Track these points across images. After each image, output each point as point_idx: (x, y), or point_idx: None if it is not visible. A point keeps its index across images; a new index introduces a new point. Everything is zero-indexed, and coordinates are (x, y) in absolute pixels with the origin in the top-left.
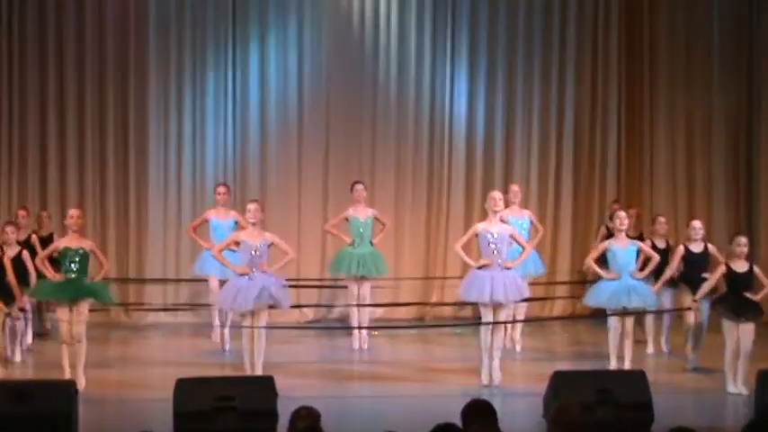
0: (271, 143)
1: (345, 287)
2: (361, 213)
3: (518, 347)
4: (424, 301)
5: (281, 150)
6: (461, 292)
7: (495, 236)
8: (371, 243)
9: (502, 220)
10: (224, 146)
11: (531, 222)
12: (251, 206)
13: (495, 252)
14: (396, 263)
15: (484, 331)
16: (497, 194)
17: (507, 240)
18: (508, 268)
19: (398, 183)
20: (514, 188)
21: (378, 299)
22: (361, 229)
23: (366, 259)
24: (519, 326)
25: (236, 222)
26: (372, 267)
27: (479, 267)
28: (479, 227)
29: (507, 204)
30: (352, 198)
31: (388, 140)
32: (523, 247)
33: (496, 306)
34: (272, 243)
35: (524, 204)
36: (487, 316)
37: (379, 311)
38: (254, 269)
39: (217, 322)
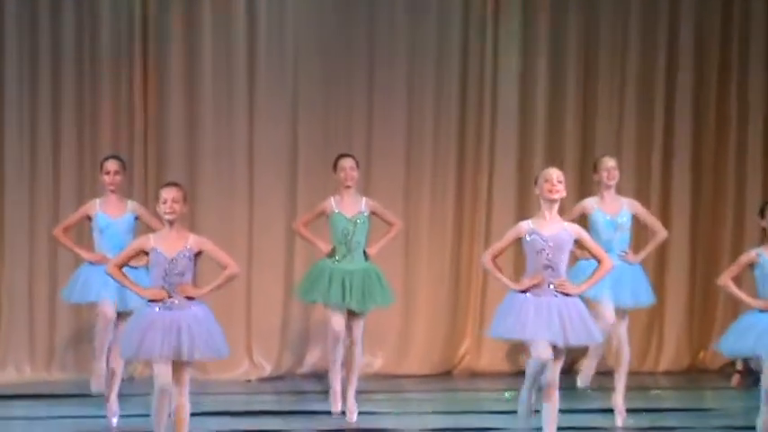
0: (203, 100)
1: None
2: (349, 206)
3: (619, 420)
4: (450, 347)
5: (220, 112)
6: (492, 328)
7: (549, 240)
8: (366, 255)
9: (560, 215)
10: (120, 102)
11: (633, 219)
12: (167, 193)
13: (549, 266)
14: (405, 286)
15: (526, 393)
16: (554, 173)
17: (568, 248)
18: (566, 294)
19: (411, 164)
20: (609, 164)
21: (377, 343)
22: (348, 233)
23: (357, 281)
24: (621, 387)
25: (138, 219)
26: (367, 294)
27: (522, 291)
28: (524, 226)
29: (594, 190)
30: (334, 181)
31: (394, 100)
32: (598, 259)
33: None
34: (201, 252)
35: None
36: (540, 361)
37: (379, 363)
38: (171, 293)
39: (102, 365)
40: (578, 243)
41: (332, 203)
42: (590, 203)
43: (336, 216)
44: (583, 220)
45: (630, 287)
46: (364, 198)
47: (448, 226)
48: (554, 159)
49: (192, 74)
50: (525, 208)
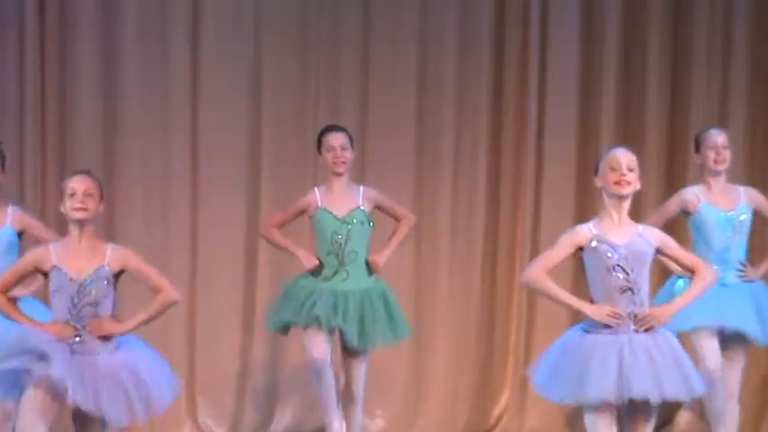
0: (124, 63)
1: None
2: (341, 201)
3: None
4: (481, 404)
5: (150, 82)
6: (542, 383)
7: (623, 251)
8: (369, 267)
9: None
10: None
11: (754, 215)
12: (76, 183)
13: (627, 288)
14: (417, 317)
15: None
16: (623, 157)
17: (649, 261)
18: (645, 329)
19: (423, 149)
20: (718, 139)
21: (376, 398)
22: (339, 239)
23: (354, 305)
24: None
25: (19, 234)
26: (370, 325)
27: (585, 328)
28: (584, 231)
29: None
30: (318, 166)
31: (398, 63)
32: (693, 270)
33: (632, 409)
34: (124, 270)
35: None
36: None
37: (379, 426)
38: (80, 331)
39: None
40: (661, 253)
41: (316, 197)
42: (693, 194)
43: (322, 215)
44: (674, 228)
45: (748, 314)
46: (362, 188)
47: (477, 235)
48: (629, 142)
49: (109, 29)
50: (588, 209)
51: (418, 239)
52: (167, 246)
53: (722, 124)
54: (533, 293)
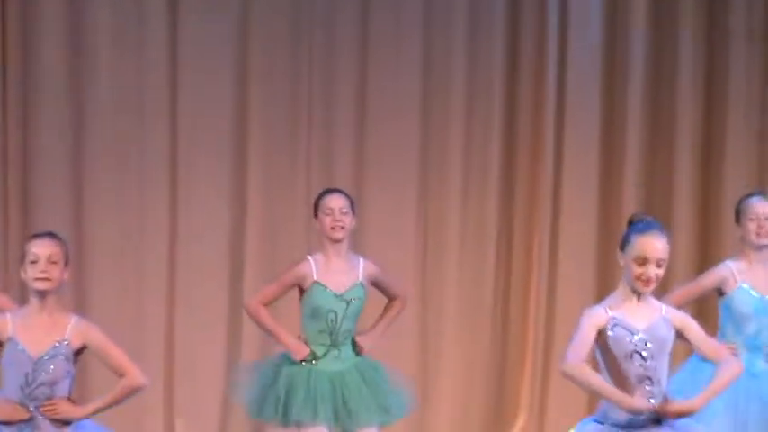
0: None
1: None
2: (340, 275)
3: None
4: None
5: (126, 71)
6: None
7: (645, 337)
8: (354, 344)
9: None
10: None
11: None
12: (38, 248)
13: (646, 377)
14: (425, 320)
15: None
16: (656, 241)
17: (669, 346)
18: (674, 414)
19: (428, 138)
20: (762, 209)
21: None
22: (335, 318)
23: (353, 387)
24: None
25: None
26: (368, 405)
27: (600, 420)
28: (599, 315)
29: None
30: (314, 231)
31: (400, 50)
32: (716, 360)
33: None
34: (85, 347)
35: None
36: None
37: None
38: (33, 411)
39: None
40: (680, 337)
41: (311, 268)
42: (730, 271)
43: (319, 291)
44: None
45: None
46: (361, 260)
47: (489, 231)
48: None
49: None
50: (614, 201)
51: (424, 238)
52: (143, 257)
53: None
54: (553, 295)
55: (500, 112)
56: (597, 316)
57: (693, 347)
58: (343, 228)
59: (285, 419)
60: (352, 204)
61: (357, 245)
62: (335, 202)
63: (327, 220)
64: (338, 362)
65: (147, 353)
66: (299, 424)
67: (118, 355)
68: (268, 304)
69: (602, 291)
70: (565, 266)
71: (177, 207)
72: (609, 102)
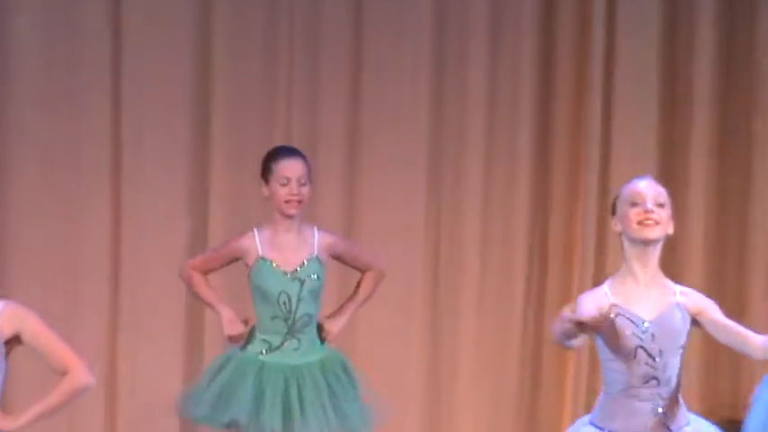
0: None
1: None
2: (291, 250)
3: None
4: None
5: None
6: None
7: (651, 329)
8: (321, 334)
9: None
10: None
11: None
12: None
13: (651, 376)
14: (439, 348)
15: None
16: (648, 189)
17: (684, 337)
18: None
19: (441, 123)
20: None
21: None
22: (288, 301)
23: (311, 386)
24: None
25: None
26: (335, 410)
27: (597, 423)
28: (598, 299)
29: None
30: (261, 201)
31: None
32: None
33: None
34: (17, 337)
35: None
36: None
37: None
38: None
39: None
40: (700, 324)
41: (255, 242)
42: None
43: (265, 268)
44: None
45: None
46: (316, 230)
47: (518, 238)
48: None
49: None
50: (679, 203)
51: (435, 248)
52: (79, 255)
53: None
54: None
55: (531, 91)
56: (598, 298)
57: (714, 333)
58: (300, 202)
59: (218, 419)
60: (310, 169)
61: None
62: (293, 170)
63: (282, 192)
64: (298, 354)
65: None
66: (236, 426)
67: (59, 348)
68: (206, 271)
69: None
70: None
71: (121, 218)
72: (669, 72)
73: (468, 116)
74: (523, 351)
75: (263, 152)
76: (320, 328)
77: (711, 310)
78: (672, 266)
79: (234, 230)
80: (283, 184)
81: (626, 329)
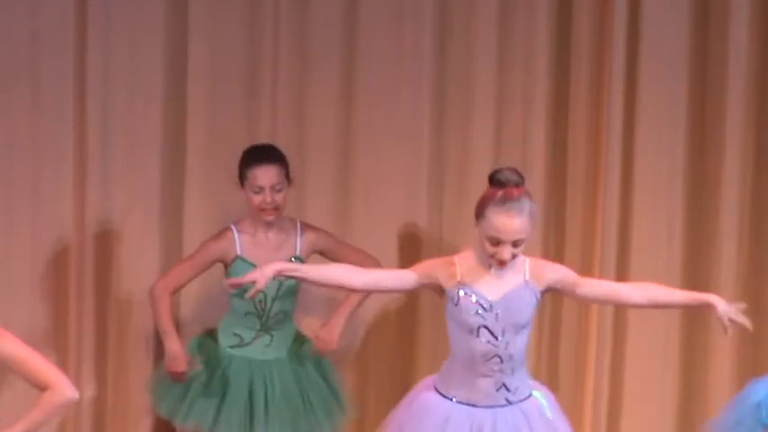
0: None
1: None
2: (270, 247)
3: None
4: None
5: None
6: None
7: (496, 309)
8: (298, 333)
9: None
10: None
11: None
12: None
13: (493, 354)
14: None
15: None
16: (507, 221)
17: (531, 317)
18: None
19: (442, 107)
20: None
21: None
22: (263, 296)
23: (283, 387)
24: None
25: None
26: (280, 409)
27: (441, 390)
28: (448, 270)
29: None
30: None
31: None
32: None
33: None
34: None
35: None
36: None
37: None
38: None
39: None
40: (562, 293)
41: (234, 242)
42: None
43: (243, 269)
44: None
45: None
46: (299, 226)
47: (532, 239)
48: None
49: None
50: (708, 198)
51: (438, 249)
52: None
53: None
54: (623, 325)
55: (547, 72)
56: (443, 270)
57: (582, 297)
58: (276, 209)
59: (181, 418)
60: (287, 172)
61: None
62: (267, 178)
63: (256, 200)
64: (269, 350)
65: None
66: (194, 421)
67: (36, 364)
68: (178, 289)
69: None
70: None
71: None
72: (701, 52)
73: (475, 94)
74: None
75: (245, 142)
76: (302, 339)
77: (567, 277)
78: (705, 265)
79: (211, 229)
80: (257, 192)
81: (470, 308)
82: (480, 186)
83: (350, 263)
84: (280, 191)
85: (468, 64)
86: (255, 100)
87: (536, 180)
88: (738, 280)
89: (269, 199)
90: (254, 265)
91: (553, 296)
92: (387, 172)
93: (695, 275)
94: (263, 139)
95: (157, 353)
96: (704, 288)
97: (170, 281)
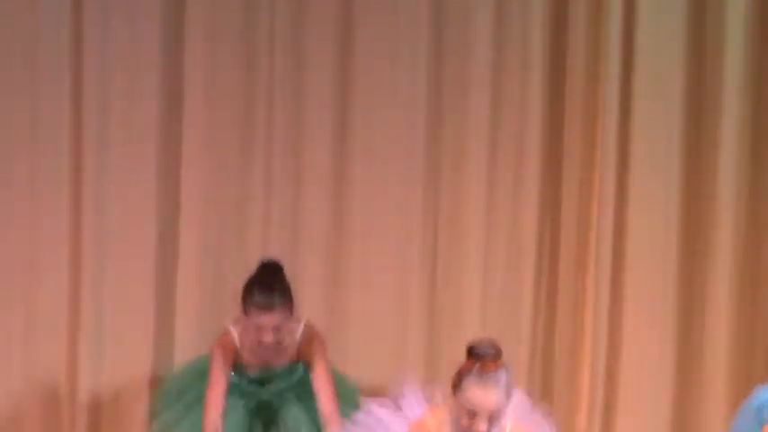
0: None
1: None
2: (265, 357)
3: None
4: None
5: None
6: None
7: None
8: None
9: None
10: None
11: None
12: None
13: None
14: (434, 361)
15: None
16: (483, 403)
17: None
18: None
19: (436, 107)
20: None
21: None
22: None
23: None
24: None
25: None
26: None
27: None
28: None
29: None
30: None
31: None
32: None
33: None
34: None
35: None
36: None
37: None
38: None
39: None
40: None
41: (234, 339)
42: None
43: (241, 366)
44: None
45: None
46: (301, 329)
47: (525, 240)
48: None
49: None
50: (704, 197)
51: (431, 251)
52: (37, 282)
53: None
54: (617, 334)
55: (541, 69)
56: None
57: None
58: (279, 342)
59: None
60: (291, 308)
61: (339, 270)
62: (268, 321)
63: (255, 336)
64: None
65: (44, 406)
66: None
67: None
68: (221, 395)
69: (684, 325)
70: (632, 292)
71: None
72: (697, 51)
73: (469, 94)
74: (533, 321)
75: (241, 147)
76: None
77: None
78: (700, 266)
79: (206, 233)
80: (257, 329)
81: None
82: (475, 192)
83: (311, 363)
84: (279, 330)
85: (464, 71)
86: (251, 107)
87: (531, 187)
88: (733, 280)
89: (270, 339)
90: (244, 371)
91: (547, 303)
92: (383, 175)
93: (690, 274)
94: (259, 150)
95: None
96: (699, 290)
97: (214, 410)
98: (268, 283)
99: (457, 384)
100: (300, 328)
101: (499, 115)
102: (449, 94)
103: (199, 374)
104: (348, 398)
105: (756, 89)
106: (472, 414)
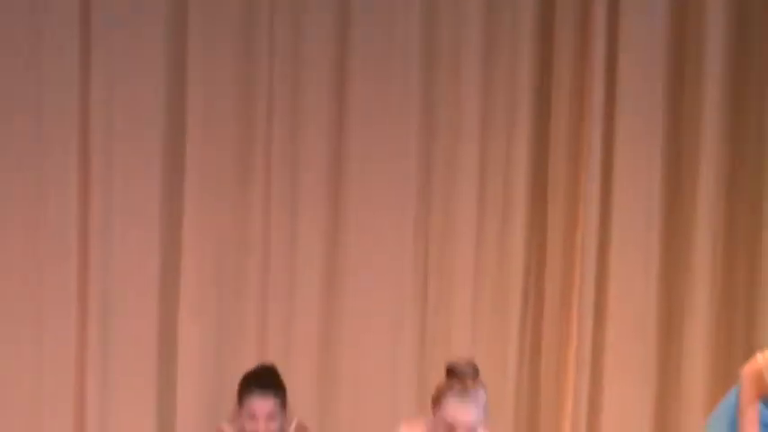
0: None
1: None
2: None
3: None
4: None
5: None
6: None
7: None
8: None
9: None
10: None
11: None
12: None
13: None
14: (423, 378)
15: None
16: (463, 419)
17: None
18: None
19: (431, 116)
20: None
21: None
22: None
23: None
24: None
25: None
26: None
27: None
28: None
29: None
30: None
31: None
32: None
33: None
34: None
35: None
36: None
37: None
38: None
39: None
40: None
41: None
42: None
43: None
44: None
45: None
46: (294, 425)
47: (513, 252)
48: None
49: None
50: (685, 209)
51: (424, 273)
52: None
53: None
54: (600, 353)
55: (529, 80)
56: None
57: None
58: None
59: None
60: (284, 400)
61: (333, 284)
62: (262, 408)
63: (249, 426)
64: None
65: None
66: None
67: None
68: None
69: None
70: (616, 309)
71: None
72: (678, 58)
73: (460, 108)
74: (520, 338)
75: (241, 158)
76: None
77: None
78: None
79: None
80: (251, 418)
81: None
82: (466, 204)
83: None
84: (273, 420)
85: (456, 88)
86: (250, 130)
87: (518, 199)
88: (714, 289)
89: (262, 428)
90: None
91: (535, 302)
92: (377, 183)
93: (673, 283)
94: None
95: None
96: (680, 296)
97: None
98: (264, 376)
99: (437, 401)
100: (292, 427)
101: (487, 165)
102: (442, 106)
103: None
104: None
105: (733, 125)
106: (451, 429)
